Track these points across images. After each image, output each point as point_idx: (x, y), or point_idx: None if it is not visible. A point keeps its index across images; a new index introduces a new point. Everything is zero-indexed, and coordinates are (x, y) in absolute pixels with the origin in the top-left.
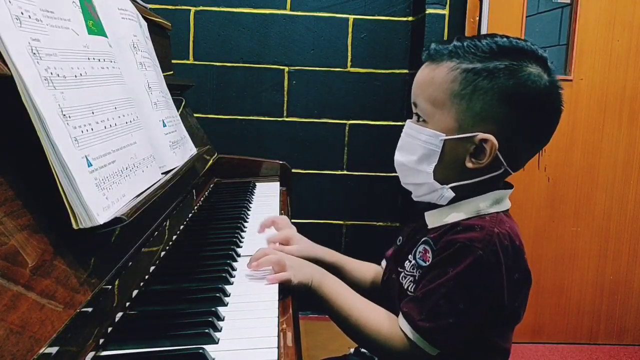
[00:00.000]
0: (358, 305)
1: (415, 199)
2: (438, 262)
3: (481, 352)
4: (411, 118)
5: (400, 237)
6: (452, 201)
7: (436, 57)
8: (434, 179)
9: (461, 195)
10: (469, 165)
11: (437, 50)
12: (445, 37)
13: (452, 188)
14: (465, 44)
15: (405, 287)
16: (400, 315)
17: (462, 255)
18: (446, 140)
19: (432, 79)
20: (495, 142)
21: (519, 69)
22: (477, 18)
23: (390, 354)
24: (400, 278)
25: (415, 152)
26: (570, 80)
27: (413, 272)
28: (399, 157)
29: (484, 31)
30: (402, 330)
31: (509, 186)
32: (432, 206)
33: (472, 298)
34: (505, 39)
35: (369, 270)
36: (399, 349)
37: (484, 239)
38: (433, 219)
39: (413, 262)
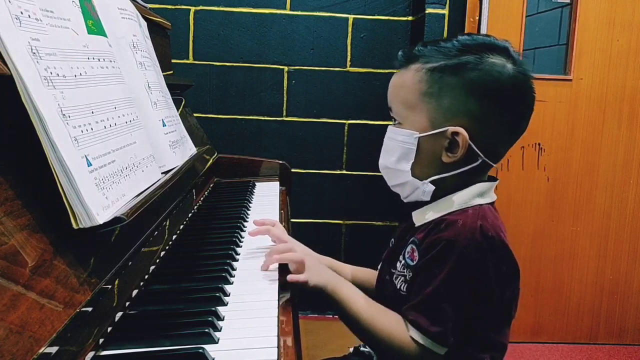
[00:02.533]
0: (371, 310)
1: (404, 200)
2: (426, 263)
3: (477, 347)
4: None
5: (393, 239)
6: (437, 198)
7: (404, 63)
8: (412, 176)
9: (445, 191)
10: (445, 159)
11: (404, 55)
12: (445, 37)
13: (433, 183)
14: (428, 46)
15: (398, 287)
16: (409, 324)
17: (447, 253)
18: (421, 138)
19: (402, 82)
20: (465, 133)
21: (481, 61)
22: (477, 18)
23: (402, 358)
24: (394, 278)
25: (394, 153)
26: (570, 80)
27: (404, 272)
28: (381, 160)
29: (483, 31)
30: (412, 337)
31: (493, 180)
32: (420, 205)
33: (467, 294)
34: (466, 36)
35: (348, 274)
36: (411, 353)
37: (467, 234)
38: (419, 217)
39: (403, 262)
